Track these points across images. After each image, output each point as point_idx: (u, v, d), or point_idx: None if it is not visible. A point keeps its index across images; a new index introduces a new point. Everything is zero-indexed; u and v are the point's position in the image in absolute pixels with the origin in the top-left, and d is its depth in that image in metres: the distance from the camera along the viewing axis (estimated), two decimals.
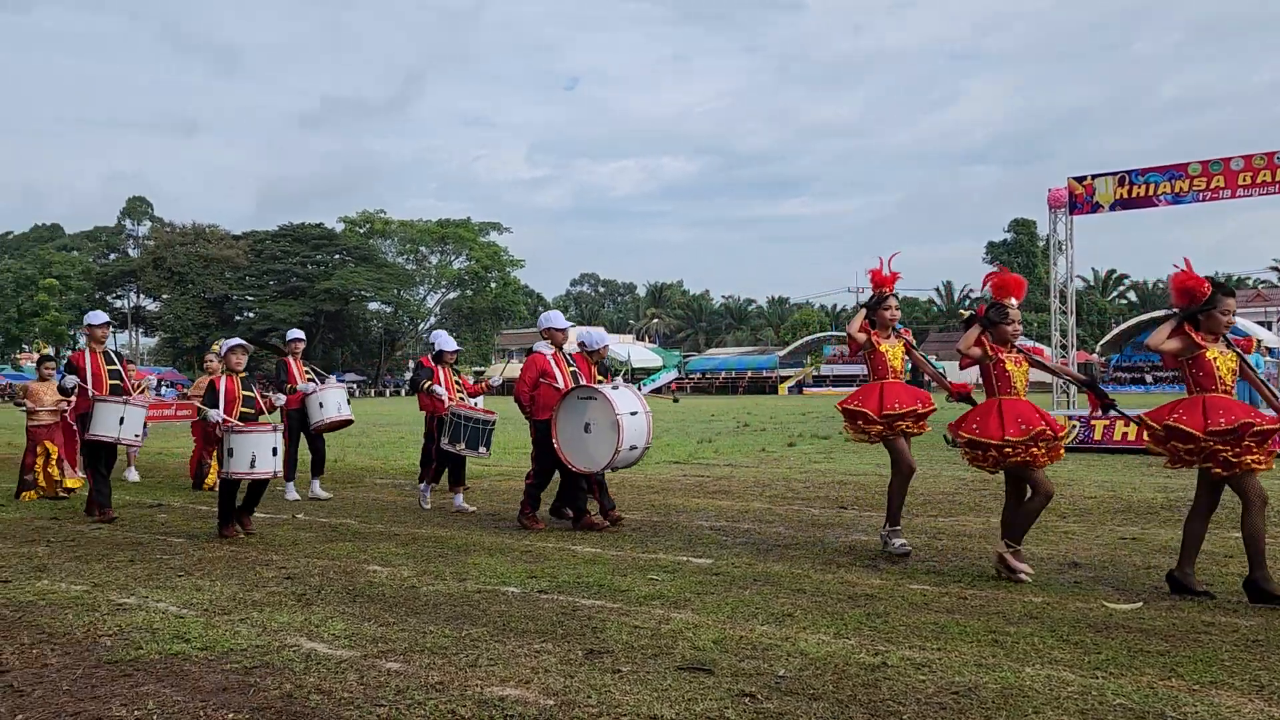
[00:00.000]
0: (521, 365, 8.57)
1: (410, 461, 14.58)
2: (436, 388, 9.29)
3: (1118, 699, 3.71)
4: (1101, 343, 59.40)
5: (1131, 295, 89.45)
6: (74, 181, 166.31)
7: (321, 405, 9.88)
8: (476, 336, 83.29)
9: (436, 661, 4.30)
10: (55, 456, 10.38)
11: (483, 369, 79.38)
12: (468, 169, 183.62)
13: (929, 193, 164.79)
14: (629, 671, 4.13)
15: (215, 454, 10.29)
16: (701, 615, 5.06)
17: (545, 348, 8.50)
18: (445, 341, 9.74)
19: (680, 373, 66.16)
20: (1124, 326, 60.48)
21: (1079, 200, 16.40)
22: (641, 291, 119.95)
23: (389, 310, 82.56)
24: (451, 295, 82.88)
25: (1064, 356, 17.25)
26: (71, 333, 73.67)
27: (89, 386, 8.90)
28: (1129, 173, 15.95)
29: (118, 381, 9.01)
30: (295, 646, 4.54)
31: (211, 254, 74.17)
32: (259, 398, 8.16)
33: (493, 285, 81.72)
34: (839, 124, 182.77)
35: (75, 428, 10.09)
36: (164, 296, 75.44)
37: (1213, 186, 15.15)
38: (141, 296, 79.17)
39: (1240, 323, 41.51)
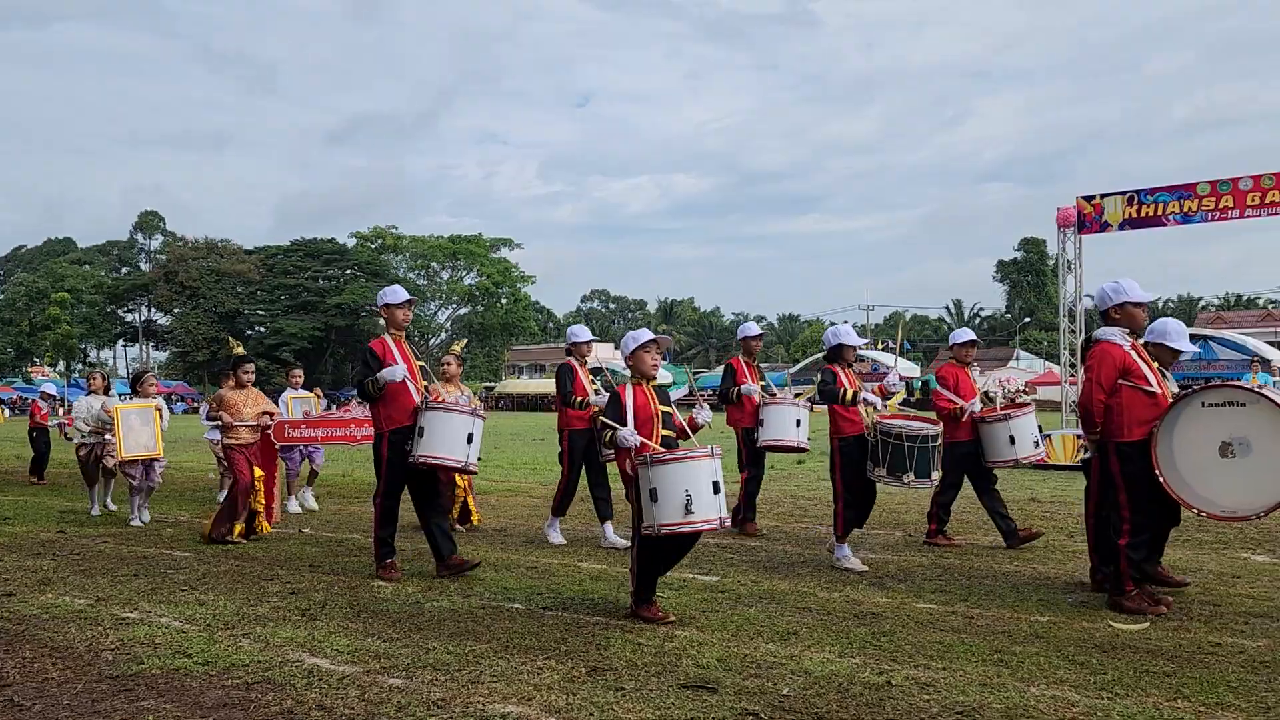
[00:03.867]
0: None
1: None
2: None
3: (1122, 719, 3.68)
4: None
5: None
6: (95, 195, 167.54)
7: None
8: (487, 352, 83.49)
9: (439, 678, 4.29)
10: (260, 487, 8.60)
11: (493, 384, 79.56)
12: (481, 185, 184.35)
13: (942, 211, 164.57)
14: (631, 689, 4.11)
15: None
16: (706, 633, 5.04)
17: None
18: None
19: (691, 389, 66.05)
20: None
21: (1088, 219, 16.37)
22: (652, 308, 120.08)
23: None
24: (462, 311, 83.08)
25: (1073, 375, 17.18)
26: (83, 346, 74.05)
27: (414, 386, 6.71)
28: (1138, 192, 15.92)
29: (426, 383, 6.89)
30: (298, 662, 4.54)
31: (223, 268, 74.52)
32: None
33: (503, 301, 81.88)
34: (853, 141, 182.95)
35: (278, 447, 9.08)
36: (175, 310, 75.73)
37: (1221, 206, 15.10)
38: (153, 310, 79.52)
39: (1251, 343, 41.34)
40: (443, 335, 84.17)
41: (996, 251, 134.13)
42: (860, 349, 7.63)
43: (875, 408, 7.01)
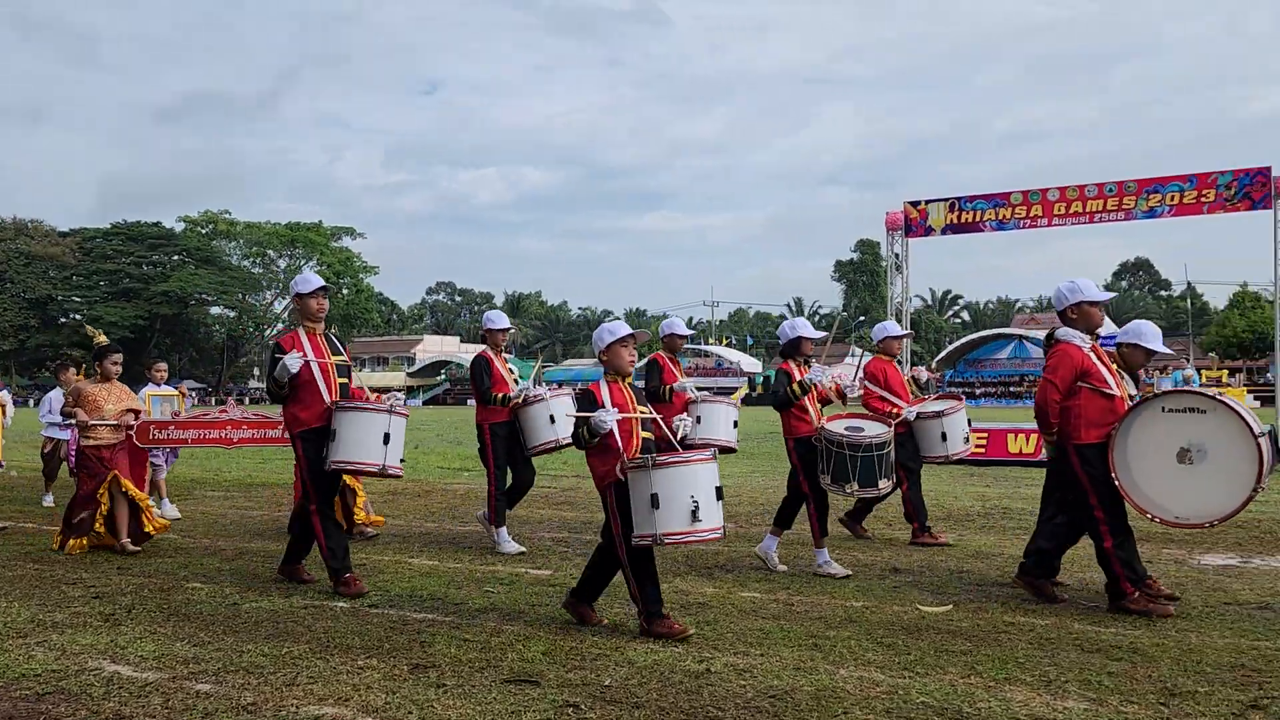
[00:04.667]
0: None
1: (244, 473, 14.03)
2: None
3: (921, 697, 3.90)
4: (937, 359, 62.39)
5: (965, 315, 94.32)
6: None
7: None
8: None
9: (251, 681, 4.14)
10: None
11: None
12: (323, 172, 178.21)
13: (786, 212, 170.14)
14: (454, 685, 4.08)
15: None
16: (534, 627, 5.05)
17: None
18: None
19: (537, 382, 65.79)
20: (958, 344, 63.87)
21: (913, 224, 17.22)
22: (499, 301, 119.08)
23: (232, 315, 79.22)
24: None
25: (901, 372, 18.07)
26: None
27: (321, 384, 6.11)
28: (959, 199, 16.86)
29: (345, 380, 6.26)
30: (97, 670, 4.29)
31: (34, 251, 69.47)
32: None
33: (345, 292, 79.51)
34: (701, 141, 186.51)
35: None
36: None
37: (1032, 215, 16.18)
38: None
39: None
40: (279, 325, 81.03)
41: (835, 252, 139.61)
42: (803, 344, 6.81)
43: (822, 386, 6.66)
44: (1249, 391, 43.11)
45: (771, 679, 4.16)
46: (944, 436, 7.57)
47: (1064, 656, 4.43)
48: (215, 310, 78.33)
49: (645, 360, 8.27)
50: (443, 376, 78.49)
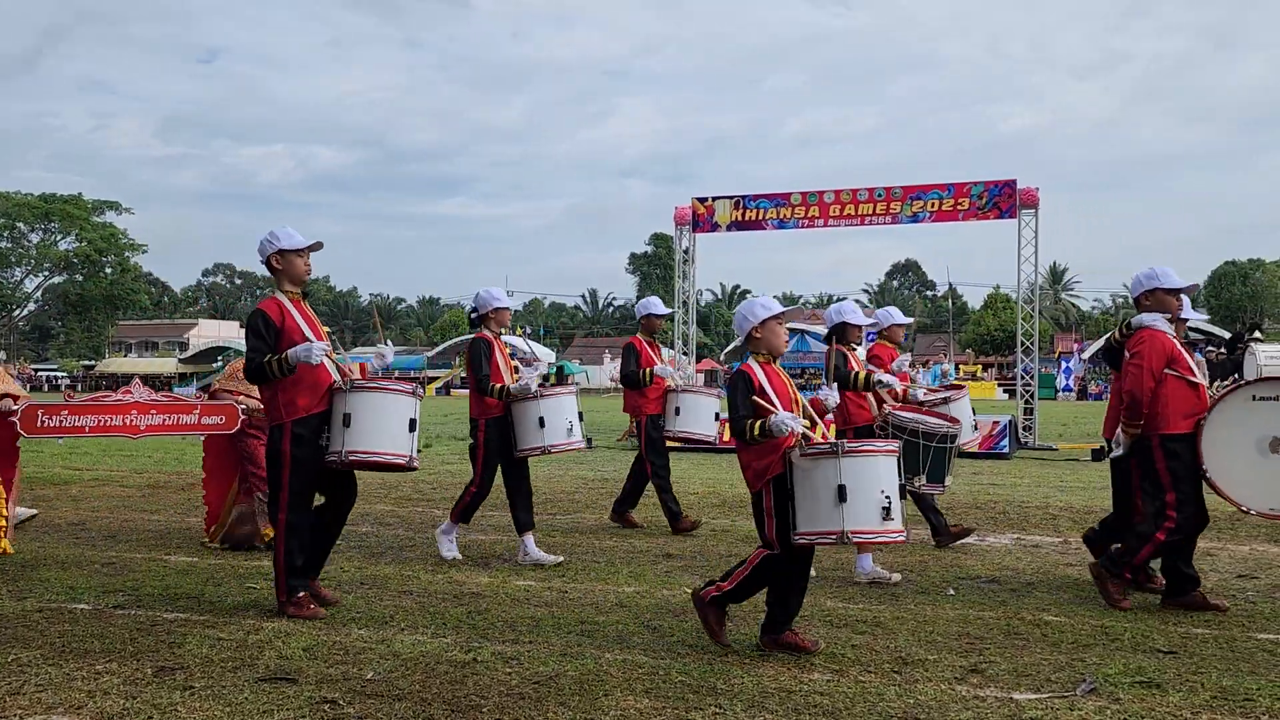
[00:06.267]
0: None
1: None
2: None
3: (680, 676, 4.05)
4: (725, 351, 64.71)
5: None
6: None
7: None
8: (88, 327, 74.47)
9: None
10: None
11: (93, 363, 71.33)
12: (87, 140, 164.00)
13: (585, 203, 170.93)
14: (202, 687, 3.88)
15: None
16: (295, 622, 4.88)
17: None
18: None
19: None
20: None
21: (701, 219, 17.75)
22: None
23: None
24: (57, 280, 73.57)
25: (686, 361, 18.58)
26: None
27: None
28: (743, 197, 17.52)
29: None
30: None
31: None
32: None
33: (108, 271, 73.51)
34: (502, 128, 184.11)
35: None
36: None
37: (810, 215, 17.03)
38: None
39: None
40: (30, 306, 74.16)
41: (631, 244, 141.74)
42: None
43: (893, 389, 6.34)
44: (999, 384, 47.25)
45: (538, 665, 4.20)
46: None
47: (813, 632, 4.71)
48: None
49: (625, 344, 7.95)
50: (219, 363, 74.09)
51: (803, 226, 17.41)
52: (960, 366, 47.74)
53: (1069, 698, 3.81)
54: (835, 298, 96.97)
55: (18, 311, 72.35)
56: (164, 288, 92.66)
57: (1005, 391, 44.36)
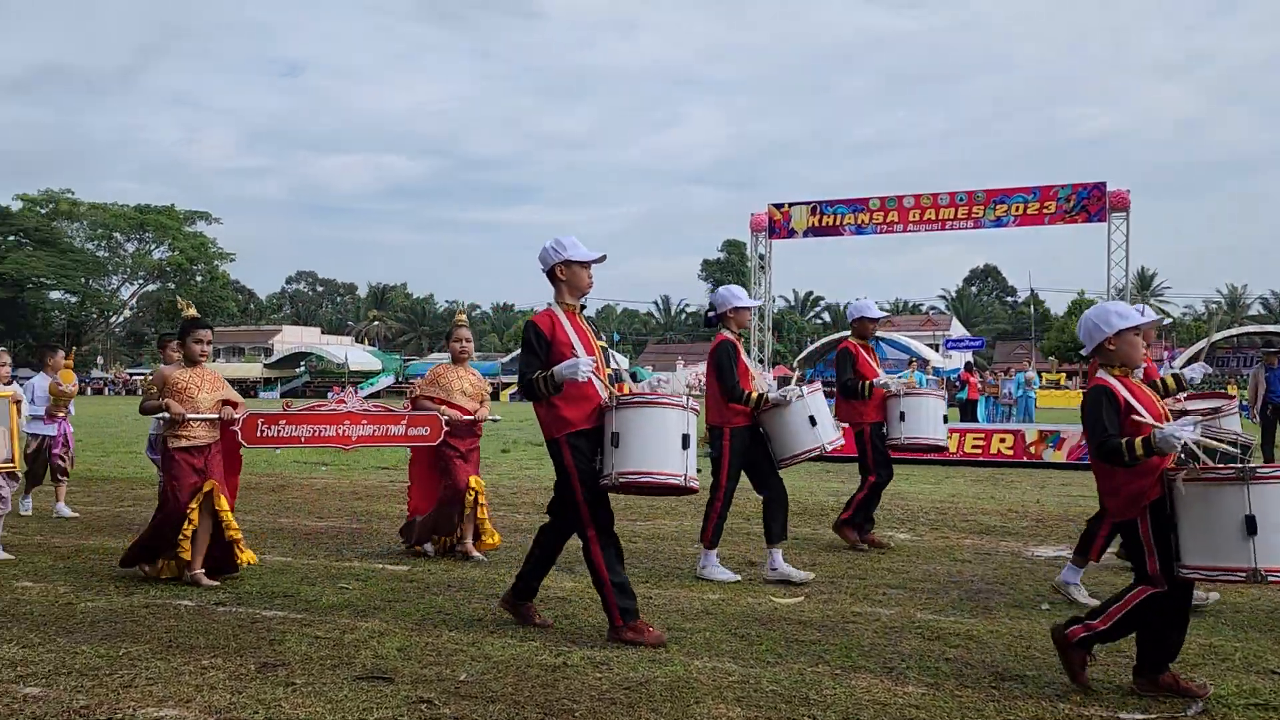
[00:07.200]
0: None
1: (84, 467, 13.26)
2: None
3: (771, 686, 4.02)
4: (799, 359, 64.17)
5: (826, 316, 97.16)
6: None
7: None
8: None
9: (84, 684, 3.95)
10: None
11: None
12: (175, 153, 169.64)
13: (653, 210, 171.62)
14: (303, 683, 3.98)
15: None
16: (389, 623, 4.97)
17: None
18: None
19: (399, 377, 64.52)
20: (818, 344, 65.70)
21: (777, 225, 17.65)
22: (363, 292, 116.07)
23: (74, 301, 74.72)
24: (151, 287, 76.33)
25: (763, 370, 18.50)
26: None
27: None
28: (820, 203, 17.37)
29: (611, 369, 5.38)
30: None
31: None
32: None
33: (198, 279, 76.04)
34: (569, 136, 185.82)
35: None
36: None
37: (888, 220, 16.81)
38: None
39: (913, 344, 46.32)
40: (126, 313, 77.03)
41: (701, 251, 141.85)
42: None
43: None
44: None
45: (627, 670, 4.21)
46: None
47: (906, 644, 4.64)
48: (55, 295, 73.78)
49: (836, 350, 7.39)
50: (302, 368, 75.99)
51: (881, 232, 17.19)
52: (1043, 374, 46.54)
53: None
54: (910, 305, 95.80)
55: (115, 318, 75.23)
56: (249, 295, 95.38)
57: None
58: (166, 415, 5.83)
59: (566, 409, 4.73)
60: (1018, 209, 16.03)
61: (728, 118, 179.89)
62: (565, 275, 4.93)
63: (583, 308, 5.03)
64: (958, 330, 68.18)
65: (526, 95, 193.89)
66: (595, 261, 5.00)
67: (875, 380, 7.09)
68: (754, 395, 6.02)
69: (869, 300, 7.42)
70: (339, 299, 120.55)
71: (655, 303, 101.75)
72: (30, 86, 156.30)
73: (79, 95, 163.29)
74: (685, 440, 4.72)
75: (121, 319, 77.00)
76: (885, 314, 6.97)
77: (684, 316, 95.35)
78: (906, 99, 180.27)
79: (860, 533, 7.28)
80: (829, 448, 6.10)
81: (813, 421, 6.02)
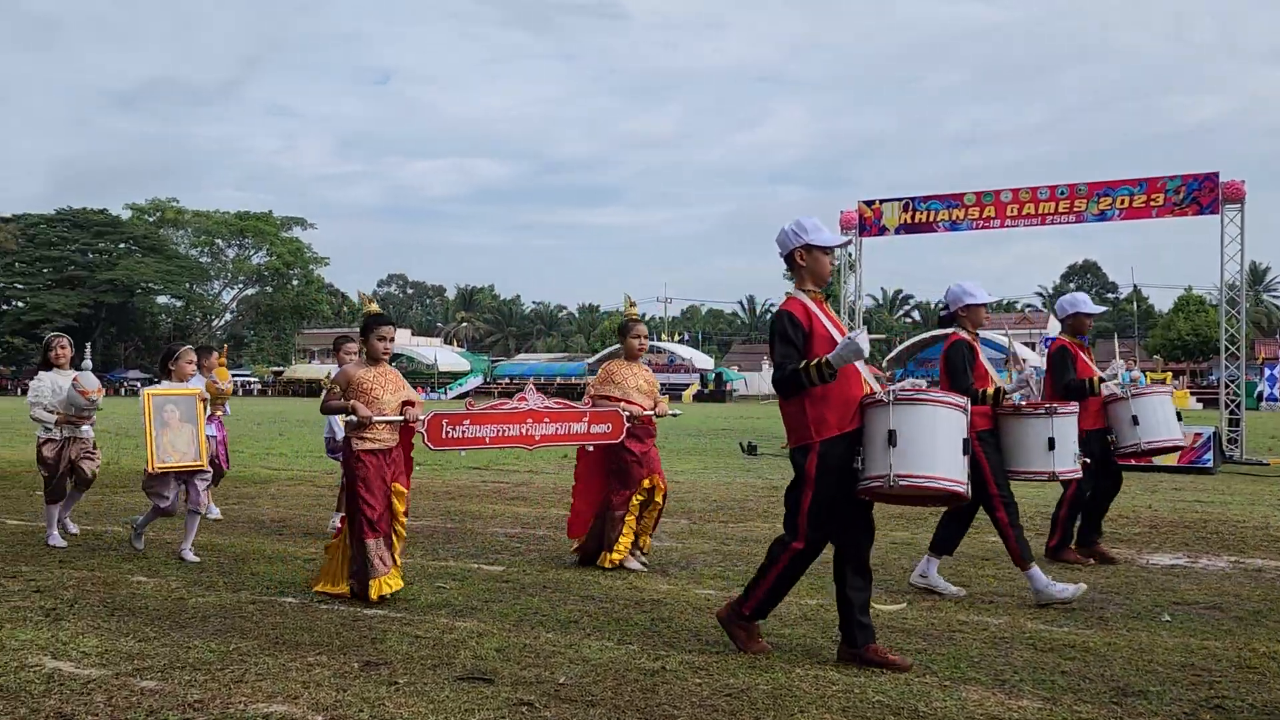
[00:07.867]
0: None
1: None
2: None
3: (877, 696, 3.90)
4: (888, 358, 63.09)
5: (916, 314, 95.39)
6: None
7: None
8: (276, 335, 79.70)
9: (198, 678, 4.04)
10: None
11: (282, 368, 76.01)
12: (272, 160, 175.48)
13: (739, 209, 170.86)
14: (405, 683, 4.01)
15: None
16: (487, 623, 4.99)
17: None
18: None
19: (488, 378, 65.43)
20: (908, 343, 64.53)
21: (868, 223, 17.35)
22: (451, 294, 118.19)
23: (179, 305, 77.77)
24: (250, 291, 78.95)
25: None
26: None
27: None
28: (913, 199, 17.01)
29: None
30: (36, 667, 4.16)
31: None
32: None
33: (295, 283, 78.34)
34: (653, 136, 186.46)
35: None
36: None
37: (985, 216, 16.37)
38: None
39: (1002, 342, 44.93)
40: (227, 316, 79.76)
41: None
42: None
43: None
44: (1192, 394, 44.16)
45: (727, 677, 4.14)
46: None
47: (1018, 655, 4.47)
48: (162, 299, 76.88)
49: (1050, 350, 6.83)
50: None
51: (976, 227, 16.76)
52: (1148, 374, 44.91)
53: None
54: (1006, 303, 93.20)
55: (216, 321, 77.99)
56: (343, 298, 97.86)
57: (1199, 401, 41.44)
58: (353, 418, 5.55)
59: (829, 410, 4.31)
60: (1123, 202, 15.44)
61: (814, 115, 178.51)
62: (806, 261, 4.52)
63: (827, 296, 4.65)
64: (1055, 328, 66.14)
65: (610, 97, 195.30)
66: (840, 246, 4.50)
67: (1098, 377, 6.52)
68: (988, 392, 5.66)
69: (1082, 294, 6.95)
70: (428, 301, 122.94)
71: (740, 303, 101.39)
72: (138, 101, 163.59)
73: (184, 107, 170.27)
74: (966, 445, 4.36)
75: (223, 322, 79.72)
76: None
77: (769, 317, 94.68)
78: (999, 92, 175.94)
79: (1088, 545, 6.85)
80: (1061, 477, 5.75)
81: (1051, 444, 5.63)
